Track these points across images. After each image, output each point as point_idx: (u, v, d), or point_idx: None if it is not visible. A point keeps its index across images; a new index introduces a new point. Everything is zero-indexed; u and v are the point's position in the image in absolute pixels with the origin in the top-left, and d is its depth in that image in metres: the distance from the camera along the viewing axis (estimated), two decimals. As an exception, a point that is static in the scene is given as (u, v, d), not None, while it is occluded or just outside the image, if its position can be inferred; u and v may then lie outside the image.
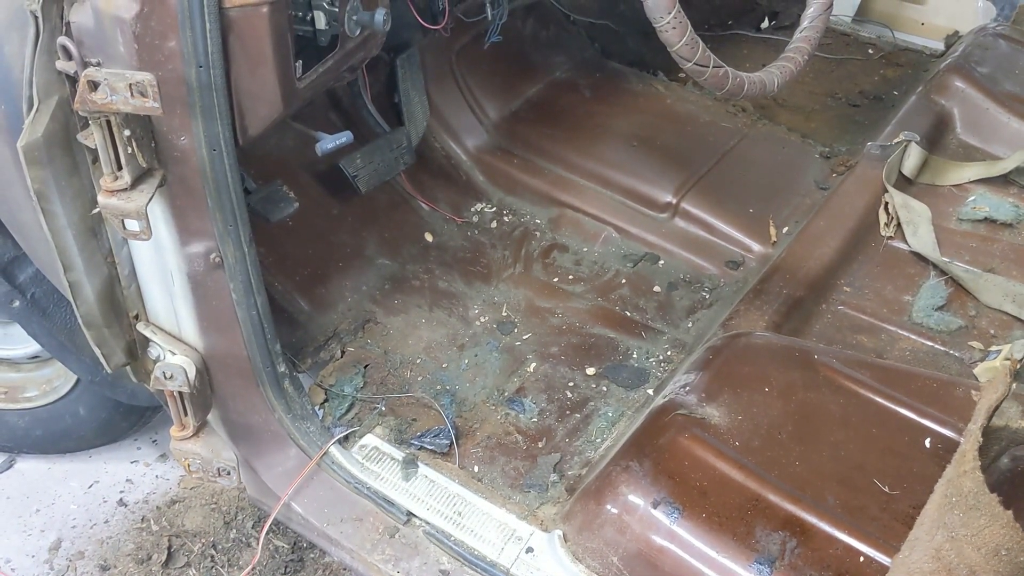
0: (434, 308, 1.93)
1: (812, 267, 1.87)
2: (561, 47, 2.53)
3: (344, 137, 1.56)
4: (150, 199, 1.19)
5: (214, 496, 2.13)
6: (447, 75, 2.27)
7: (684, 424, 1.42)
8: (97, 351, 1.44)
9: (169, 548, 2.04)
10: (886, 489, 1.32)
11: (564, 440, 1.64)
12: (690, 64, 1.35)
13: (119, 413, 2.03)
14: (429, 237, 2.11)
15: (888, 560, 1.19)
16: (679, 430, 1.41)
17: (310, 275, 1.91)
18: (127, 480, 2.20)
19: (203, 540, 2.06)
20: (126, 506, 2.15)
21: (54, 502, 2.16)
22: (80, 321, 1.40)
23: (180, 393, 1.43)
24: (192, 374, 1.39)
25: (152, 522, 2.10)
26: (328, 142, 1.54)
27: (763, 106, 2.54)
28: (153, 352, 1.51)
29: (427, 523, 1.50)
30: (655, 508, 1.32)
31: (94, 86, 1.10)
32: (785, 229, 2.06)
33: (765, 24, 3.06)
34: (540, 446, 1.64)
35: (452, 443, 1.61)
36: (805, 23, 1.54)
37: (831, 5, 1.55)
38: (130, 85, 1.08)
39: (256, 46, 1.20)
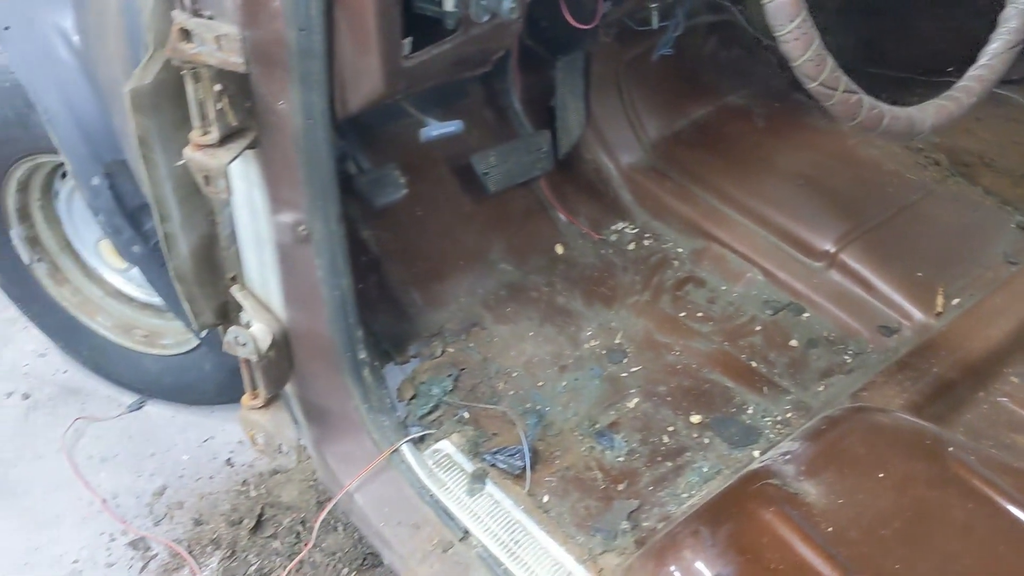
0: (545, 323, 1.82)
1: (977, 348, 1.61)
2: (742, 71, 2.35)
3: (453, 126, 1.49)
4: (233, 159, 1.17)
5: (315, 473, 2.13)
6: (611, 86, 2.15)
7: (772, 496, 1.24)
8: (186, 307, 1.45)
9: (260, 516, 2.06)
10: (1005, 623, 1.10)
11: (647, 487, 1.50)
12: (814, 84, 1.17)
13: (237, 376, 2.07)
14: (559, 249, 2.01)
15: None
16: (764, 502, 1.23)
17: (429, 270, 1.86)
18: (239, 442, 2.25)
19: (294, 515, 2.07)
20: (232, 466, 2.19)
21: (169, 449, 2.24)
22: (171, 274, 1.41)
23: (250, 361, 1.41)
24: (264, 344, 1.37)
25: (252, 487, 2.14)
26: (434, 129, 1.48)
27: (965, 163, 2.25)
28: (244, 318, 1.50)
29: (482, 545, 1.41)
30: (715, 583, 1.16)
31: (187, 35, 1.08)
32: (956, 301, 1.78)
33: (991, 76, 2.74)
34: (620, 488, 1.50)
35: (526, 466, 1.50)
36: (982, 60, 1.31)
37: (1020, 44, 1.31)
38: (216, 37, 1.06)
39: (360, 14, 1.15)
